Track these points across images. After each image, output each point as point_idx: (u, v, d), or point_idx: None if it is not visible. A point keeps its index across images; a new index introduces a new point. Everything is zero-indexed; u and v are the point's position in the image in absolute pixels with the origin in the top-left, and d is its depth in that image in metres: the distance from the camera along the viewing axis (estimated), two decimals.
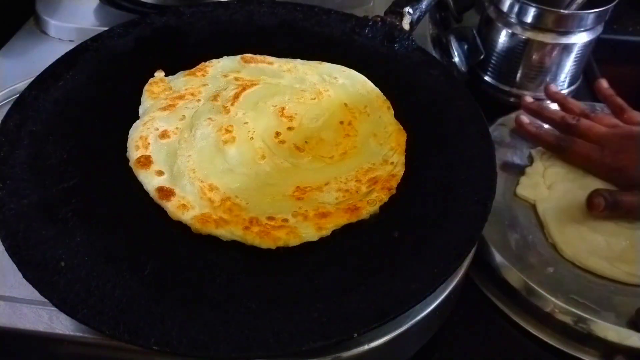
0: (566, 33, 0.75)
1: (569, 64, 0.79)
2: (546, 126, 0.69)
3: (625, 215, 0.59)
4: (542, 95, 0.77)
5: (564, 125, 0.66)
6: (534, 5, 0.74)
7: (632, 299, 0.54)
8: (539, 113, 0.69)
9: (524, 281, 0.55)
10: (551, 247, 0.59)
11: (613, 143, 0.63)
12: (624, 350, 0.52)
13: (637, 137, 0.62)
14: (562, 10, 0.74)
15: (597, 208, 0.58)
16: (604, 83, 0.72)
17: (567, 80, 0.81)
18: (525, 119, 0.69)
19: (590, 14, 0.73)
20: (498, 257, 0.57)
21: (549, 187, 0.64)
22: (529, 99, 0.72)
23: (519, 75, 0.81)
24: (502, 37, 0.79)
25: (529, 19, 0.75)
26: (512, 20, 0.77)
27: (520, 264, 0.57)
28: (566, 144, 0.65)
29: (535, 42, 0.76)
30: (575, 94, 0.84)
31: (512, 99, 0.82)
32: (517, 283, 0.56)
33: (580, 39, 0.76)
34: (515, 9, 0.76)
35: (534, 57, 0.78)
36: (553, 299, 0.54)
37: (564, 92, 0.81)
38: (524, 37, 0.77)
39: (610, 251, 0.58)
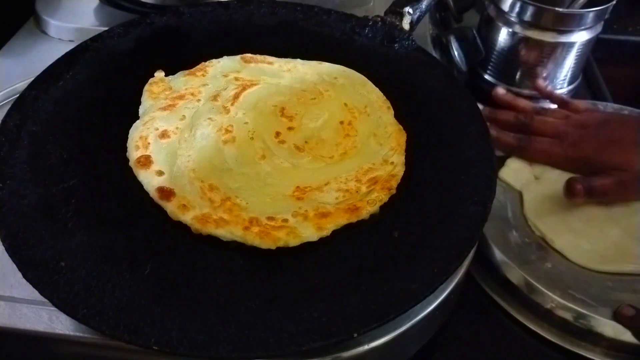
0: (566, 32, 0.75)
1: (568, 63, 0.79)
2: None
3: (601, 198, 0.60)
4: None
5: (519, 125, 0.67)
6: (534, 4, 0.74)
7: (629, 295, 0.54)
8: (493, 118, 0.69)
9: (523, 277, 0.55)
10: (540, 239, 0.59)
11: (570, 134, 0.63)
12: (622, 346, 0.52)
13: (589, 125, 0.64)
14: (561, 9, 0.75)
15: (578, 194, 0.59)
16: (540, 83, 0.75)
17: (567, 78, 0.81)
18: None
19: (590, 13, 0.73)
20: (497, 254, 0.57)
21: (537, 177, 0.65)
22: (501, 90, 0.73)
23: (518, 73, 0.81)
24: (502, 36, 0.79)
25: (529, 17, 0.75)
26: (512, 19, 0.77)
27: (519, 260, 0.57)
28: (525, 143, 0.65)
29: (535, 41, 0.77)
30: (575, 93, 0.84)
31: None
32: (516, 279, 0.56)
33: (579, 37, 0.76)
34: (516, 7, 0.76)
35: (533, 55, 0.78)
36: (552, 295, 0.54)
37: (564, 90, 0.82)
38: (523, 36, 0.77)
39: (600, 243, 0.58)
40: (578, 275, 0.56)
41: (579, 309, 0.53)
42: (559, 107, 0.71)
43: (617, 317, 0.53)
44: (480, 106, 0.69)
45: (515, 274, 0.56)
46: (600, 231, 0.59)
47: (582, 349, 0.54)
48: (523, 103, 0.71)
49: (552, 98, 0.73)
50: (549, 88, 0.74)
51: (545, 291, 0.54)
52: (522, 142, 0.65)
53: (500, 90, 0.74)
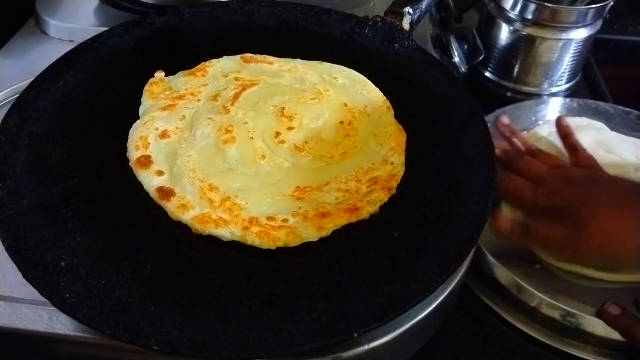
0: (566, 29, 0.76)
1: (568, 60, 0.79)
2: None
3: (544, 245, 0.58)
4: (544, 91, 0.78)
5: (505, 160, 0.64)
6: (534, 1, 0.74)
7: (617, 293, 0.54)
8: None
9: (512, 279, 0.56)
10: None
11: (549, 183, 0.59)
12: (612, 344, 0.52)
13: (575, 180, 0.59)
14: (561, 6, 0.75)
15: (503, 229, 0.57)
16: (563, 121, 0.70)
17: (566, 75, 0.82)
18: None
19: (590, 10, 0.74)
20: (487, 255, 0.57)
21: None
22: (504, 120, 0.70)
23: (519, 71, 0.82)
24: (503, 34, 0.80)
25: (529, 15, 0.76)
26: (513, 16, 0.78)
27: (508, 261, 0.57)
28: (499, 178, 0.60)
29: (535, 38, 0.77)
30: (574, 90, 0.84)
31: (512, 94, 0.83)
32: (506, 281, 0.56)
33: (579, 34, 0.77)
34: (516, 5, 0.76)
35: (534, 52, 0.79)
36: (541, 295, 0.54)
37: (563, 87, 0.82)
38: (524, 33, 0.77)
39: None
40: (566, 274, 0.56)
41: (568, 308, 0.53)
42: (568, 149, 0.67)
43: (602, 315, 0.53)
44: (505, 119, 0.69)
45: (504, 275, 0.57)
46: None
47: (572, 347, 0.54)
48: (519, 143, 0.67)
49: (567, 138, 0.68)
50: (569, 128, 0.69)
51: (534, 291, 0.54)
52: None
53: (504, 120, 0.70)
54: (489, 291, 0.58)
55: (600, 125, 0.72)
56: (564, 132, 0.69)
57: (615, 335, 0.52)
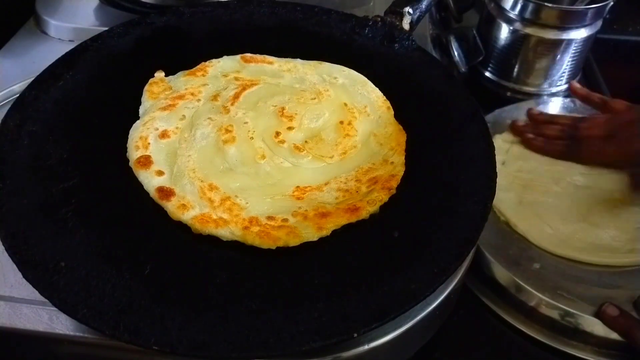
0: (566, 29, 0.76)
1: (568, 60, 0.80)
2: None
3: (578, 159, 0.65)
4: (544, 91, 0.78)
5: (566, 134, 0.69)
6: (534, 1, 0.74)
7: (615, 291, 0.54)
8: (540, 132, 0.71)
9: (511, 278, 0.56)
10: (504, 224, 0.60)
11: (620, 132, 0.65)
12: (612, 344, 0.52)
13: (635, 122, 0.65)
14: (561, 6, 0.75)
15: (518, 130, 0.64)
16: (575, 84, 0.75)
17: (566, 75, 0.82)
18: (530, 135, 0.70)
19: (590, 10, 0.74)
20: (486, 255, 0.57)
21: (502, 163, 0.66)
22: (536, 110, 0.74)
23: (519, 71, 0.82)
24: (503, 34, 0.80)
25: (529, 15, 0.76)
26: (513, 16, 0.78)
27: (507, 261, 0.57)
28: (576, 147, 0.67)
29: (535, 38, 0.77)
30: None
31: (512, 94, 0.83)
32: (505, 281, 0.56)
33: (579, 34, 0.77)
34: (516, 5, 0.77)
35: (534, 52, 0.79)
36: (540, 295, 0.54)
37: (563, 87, 0.82)
38: (524, 33, 0.78)
39: (562, 228, 0.60)
40: (565, 274, 0.57)
41: (567, 308, 0.53)
42: (596, 106, 0.71)
43: (601, 316, 0.53)
44: (536, 110, 0.73)
45: (503, 275, 0.57)
46: (563, 218, 0.61)
47: (572, 348, 0.54)
48: (564, 118, 0.72)
49: (590, 99, 0.73)
50: (585, 90, 0.74)
51: (534, 291, 0.55)
52: (572, 147, 0.67)
53: (535, 111, 0.74)
54: (488, 291, 0.58)
55: None
56: (583, 94, 0.73)
57: (614, 335, 0.52)
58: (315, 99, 0.55)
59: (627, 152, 0.65)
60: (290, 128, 0.52)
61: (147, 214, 0.44)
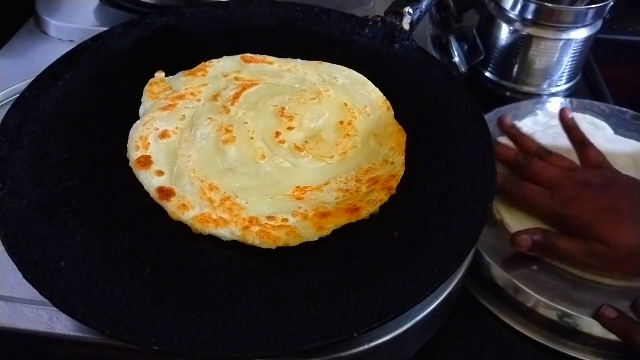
0: (566, 29, 0.76)
1: (568, 60, 0.80)
2: None
3: (562, 260, 0.56)
4: (544, 91, 0.78)
5: (515, 164, 0.62)
6: (534, 1, 0.75)
7: (614, 294, 0.54)
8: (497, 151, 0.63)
9: (509, 279, 0.56)
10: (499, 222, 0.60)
11: (565, 189, 0.57)
12: (610, 345, 0.52)
13: (590, 184, 0.57)
14: (561, 6, 0.75)
15: (523, 246, 0.56)
16: (566, 112, 0.70)
17: (566, 75, 0.82)
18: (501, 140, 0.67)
19: (590, 10, 0.74)
20: (484, 256, 0.57)
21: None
22: (507, 120, 0.69)
23: (519, 71, 0.82)
24: (503, 34, 0.80)
25: (529, 15, 0.76)
26: (513, 16, 0.78)
27: (504, 261, 0.57)
28: (512, 187, 0.60)
29: (535, 38, 0.77)
30: (574, 90, 0.84)
31: (511, 94, 0.83)
32: (503, 282, 0.56)
33: (579, 34, 0.77)
34: (516, 5, 0.77)
35: (534, 52, 0.79)
36: (537, 296, 0.54)
37: (563, 87, 0.82)
38: (524, 33, 0.78)
39: None
40: (563, 275, 0.56)
41: (565, 309, 0.53)
42: (573, 142, 0.66)
43: (599, 318, 0.52)
44: (508, 120, 0.69)
45: (501, 276, 0.56)
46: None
47: (571, 349, 0.54)
48: (528, 142, 0.66)
49: (573, 132, 0.68)
50: (573, 121, 0.69)
51: (532, 293, 0.54)
52: (509, 185, 0.60)
53: (507, 120, 0.69)
54: (486, 292, 0.58)
55: (603, 125, 0.72)
56: (570, 125, 0.68)
57: (613, 336, 0.52)
58: (315, 99, 0.55)
59: (560, 213, 0.56)
60: (290, 128, 0.52)
61: (147, 214, 0.44)
